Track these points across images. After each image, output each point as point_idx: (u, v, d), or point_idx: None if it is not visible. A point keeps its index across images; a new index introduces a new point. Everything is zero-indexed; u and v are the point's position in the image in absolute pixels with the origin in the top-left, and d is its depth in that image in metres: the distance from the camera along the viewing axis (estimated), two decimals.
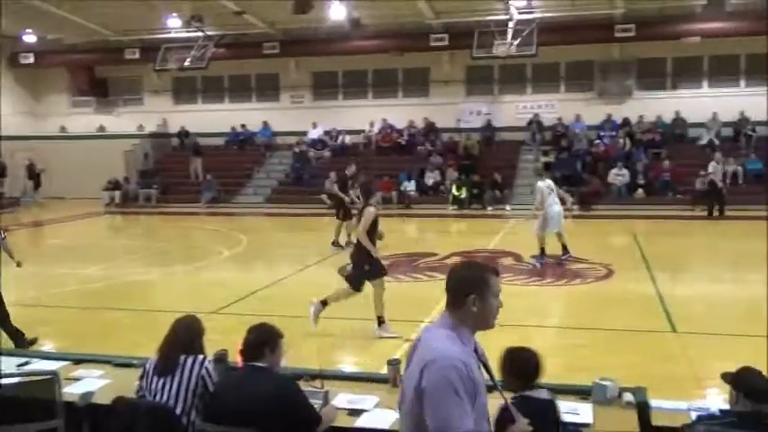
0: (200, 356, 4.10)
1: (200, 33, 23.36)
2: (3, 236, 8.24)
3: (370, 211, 8.30)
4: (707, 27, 21.93)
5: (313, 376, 4.60)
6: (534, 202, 13.19)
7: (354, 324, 8.88)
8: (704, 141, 23.13)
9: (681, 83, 24.32)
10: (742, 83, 23.73)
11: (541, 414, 3.41)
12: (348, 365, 7.37)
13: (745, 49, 23.16)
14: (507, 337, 8.42)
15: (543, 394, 3.64)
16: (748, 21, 21.56)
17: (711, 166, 20.41)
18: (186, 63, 23.86)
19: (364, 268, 8.22)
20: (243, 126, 27.60)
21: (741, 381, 3.56)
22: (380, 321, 8.21)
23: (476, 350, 3.06)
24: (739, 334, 8.07)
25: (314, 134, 26.75)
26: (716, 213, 19.17)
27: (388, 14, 22.82)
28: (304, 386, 4.20)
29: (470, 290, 2.96)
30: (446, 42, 23.57)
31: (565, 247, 12.81)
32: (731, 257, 13.73)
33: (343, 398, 4.35)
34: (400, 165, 24.38)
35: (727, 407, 3.62)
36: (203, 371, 4.02)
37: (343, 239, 14.72)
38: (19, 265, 8.27)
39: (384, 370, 4.76)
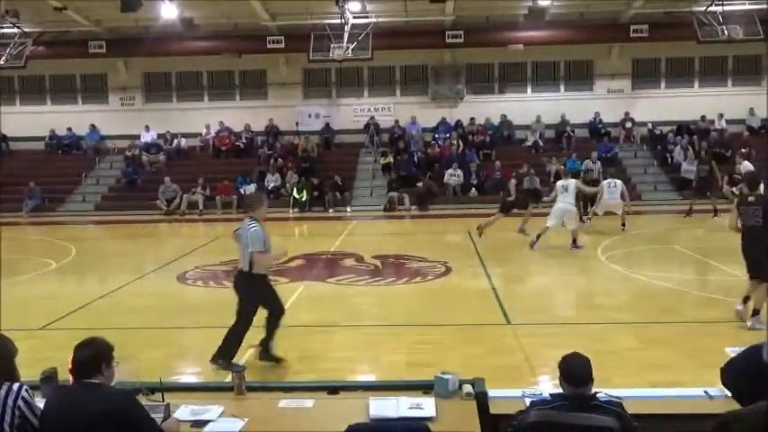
0: (15, 385, 3.64)
1: (16, 30, 21.70)
2: None
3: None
4: (529, 35, 23.31)
5: (152, 389, 4.40)
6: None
7: (197, 333, 8.63)
8: (529, 142, 24.60)
9: (507, 87, 25.69)
10: (562, 87, 25.45)
11: None
12: (191, 376, 7.13)
13: (564, 56, 24.90)
14: (352, 337, 8.55)
15: None
16: (566, 30, 23.22)
17: (586, 165, 21.70)
18: (1, 62, 22.08)
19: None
20: (69, 129, 26.00)
21: (562, 367, 3.80)
22: None
23: None
24: (567, 323, 8.64)
25: (147, 137, 25.70)
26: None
27: (222, 15, 22.36)
28: (143, 400, 4.01)
29: None
30: (283, 45, 23.44)
31: (575, 241, 13.96)
32: (559, 252, 14.62)
33: (185, 410, 4.19)
34: (239, 168, 23.97)
35: (558, 391, 3.83)
36: (20, 401, 3.56)
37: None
38: None
39: (228, 378, 4.65)
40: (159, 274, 12.67)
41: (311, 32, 21.36)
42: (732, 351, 4.67)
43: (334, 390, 4.57)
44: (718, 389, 4.55)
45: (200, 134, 25.69)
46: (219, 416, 4.13)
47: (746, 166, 15.98)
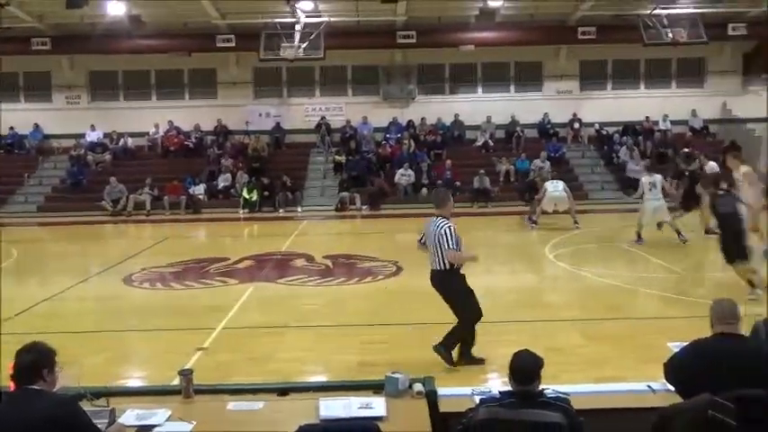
0: None
1: None
2: None
3: None
4: (480, 36, 23.51)
5: (97, 394, 4.31)
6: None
7: (143, 335, 8.49)
8: (480, 142, 24.83)
9: (458, 87, 25.88)
10: (512, 88, 25.75)
11: None
12: (137, 380, 7.01)
13: (514, 58, 25.21)
14: (302, 338, 8.50)
15: None
16: (516, 31, 23.51)
17: (535, 164, 21.92)
18: None
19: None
20: (11, 128, 25.27)
21: (511, 364, 3.85)
22: None
23: None
24: (515, 321, 8.74)
25: (93, 137, 25.14)
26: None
27: (170, 13, 22.03)
28: (87, 406, 3.92)
29: None
30: (233, 44, 23.19)
31: (679, 232, 13.68)
32: (505, 249, 14.81)
33: (131, 414, 4.12)
34: (188, 168, 23.64)
35: (507, 388, 3.88)
36: None
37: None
38: None
39: (176, 381, 4.58)
40: (104, 276, 12.41)
41: (262, 31, 21.22)
42: (674, 346, 4.80)
43: (283, 391, 4.55)
44: (661, 383, 4.66)
45: (148, 133, 25.25)
46: (166, 420, 4.08)
47: (712, 167, 16.26)
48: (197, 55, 24.25)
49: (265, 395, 4.49)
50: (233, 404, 4.33)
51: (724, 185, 9.56)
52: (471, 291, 6.96)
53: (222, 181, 23.20)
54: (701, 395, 3.82)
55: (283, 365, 7.12)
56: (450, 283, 6.87)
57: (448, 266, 6.75)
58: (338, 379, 6.10)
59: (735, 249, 8.98)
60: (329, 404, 4.20)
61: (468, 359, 6.93)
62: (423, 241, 7.07)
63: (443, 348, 6.83)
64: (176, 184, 22.39)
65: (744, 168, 9.97)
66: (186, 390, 4.41)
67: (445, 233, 6.66)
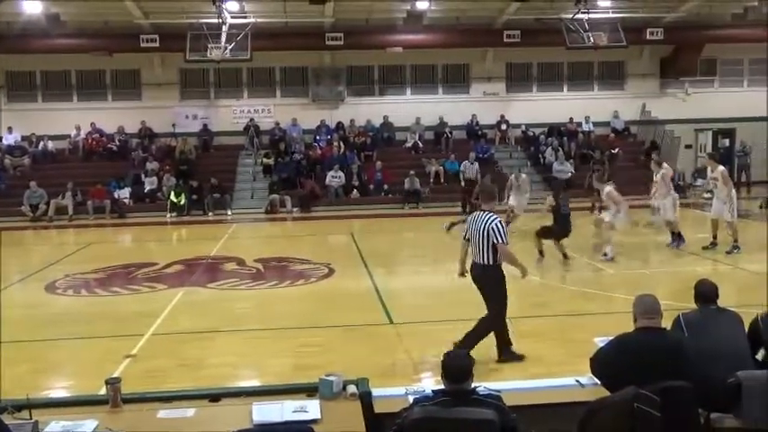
0: None
1: None
2: None
3: None
4: (408, 38, 23.68)
5: (18, 407, 4.15)
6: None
7: (68, 344, 8.23)
8: (409, 144, 25.02)
9: (387, 89, 25.99)
10: (440, 90, 26.03)
11: None
12: (62, 390, 6.78)
13: (442, 60, 25.48)
14: (234, 343, 8.40)
15: None
16: (443, 34, 23.79)
17: (464, 165, 22.07)
18: None
19: None
20: None
21: (443, 364, 3.90)
22: None
23: None
24: (446, 320, 8.83)
25: (10, 139, 24.18)
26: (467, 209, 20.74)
27: (91, 12, 21.39)
28: (9, 419, 3.78)
29: None
30: (157, 44, 22.69)
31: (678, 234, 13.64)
32: (436, 250, 14.93)
33: (56, 426, 3.99)
34: (112, 171, 23.01)
35: (440, 387, 3.92)
36: None
37: None
38: None
39: (103, 390, 4.46)
40: (26, 284, 11.99)
41: (188, 32, 20.84)
42: (600, 341, 4.94)
43: (215, 397, 4.49)
44: (589, 377, 4.80)
45: (70, 136, 24.44)
46: (94, 430, 3.97)
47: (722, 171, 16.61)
48: (120, 55, 23.63)
49: (197, 402, 4.42)
50: (163, 412, 4.25)
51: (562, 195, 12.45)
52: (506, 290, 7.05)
53: (148, 184, 22.67)
54: (627, 388, 3.95)
55: (215, 371, 7.03)
56: (494, 277, 6.88)
57: (492, 261, 6.77)
58: (271, 383, 6.06)
59: (561, 233, 12.22)
60: (263, 409, 4.17)
61: (507, 356, 6.98)
62: (466, 237, 7.06)
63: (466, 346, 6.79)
64: (100, 188, 21.77)
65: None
66: (114, 399, 4.29)
67: (497, 227, 6.68)
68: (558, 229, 12.35)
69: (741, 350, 4.71)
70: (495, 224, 6.68)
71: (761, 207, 19.56)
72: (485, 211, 6.88)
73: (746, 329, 4.86)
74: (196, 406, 4.32)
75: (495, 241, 6.65)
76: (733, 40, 24.36)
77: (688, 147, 25.87)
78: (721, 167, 13.12)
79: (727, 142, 26.43)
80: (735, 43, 24.62)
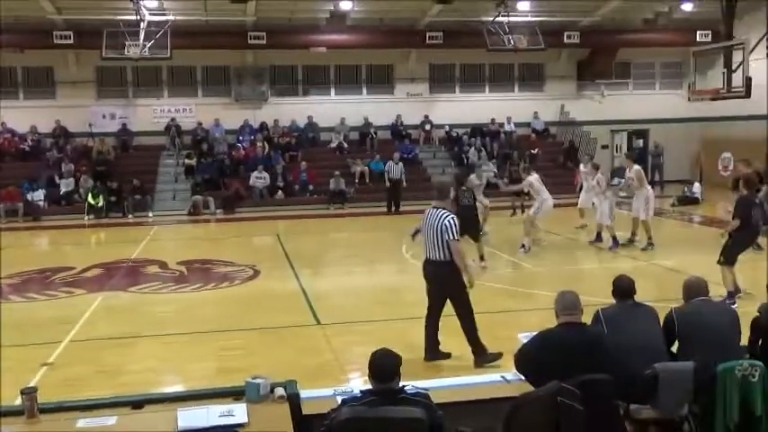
0: None
1: None
2: None
3: None
4: (331, 39, 23.64)
5: None
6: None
7: None
8: (334, 144, 24.98)
9: (311, 89, 25.87)
10: (364, 90, 26.08)
11: None
12: None
13: (366, 60, 25.54)
14: (156, 348, 8.21)
15: None
16: (367, 34, 23.85)
17: (389, 165, 22.00)
18: None
19: None
20: None
21: (370, 364, 3.90)
22: None
23: None
24: (374, 320, 8.87)
25: None
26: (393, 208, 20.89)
27: (1, 7, 20.49)
28: None
29: None
30: (71, 41, 21.95)
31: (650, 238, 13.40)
32: (363, 250, 14.98)
33: None
34: (25, 172, 22.12)
35: (368, 387, 3.92)
36: None
37: None
38: None
39: (18, 401, 4.28)
40: None
41: (104, 29, 20.23)
42: (523, 337, 5.06)
43: (138, 404, 4.37)
44: (513, 373, 4.90)
45: None
46: None
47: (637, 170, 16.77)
48: (31, 52, 22.72)
49: (119, 409, 4.29)
50: (83, 421, 4.11)
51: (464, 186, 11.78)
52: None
53: (64, 186, 21.90)
54: (550, 383, 4.05)
55: (136, 377, 6.86)
56: (448, 273, 6.78)
57: (446, 257, 6.71)
58: (196, 387, 5.94)
59: (474, 230, 11.65)
60: (188, 414, 4.09)
61: (433, 355, 7.10)
62: (415, 232, 7.13)
63: (481, 357, 6.88)
64: (12, 190, 20.91)
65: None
66: (30, 409, 4.12)
67: (449, 223, 6.62)
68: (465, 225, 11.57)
69: (657, 343, 4.90)
70: (449, 220, 6.66)
71: (673, 205, 20.41)
72: (438, 207, 6.86)
73: (661, 323, 5.06)
74: (118, 414, 4.20)
75: (448, 237, 6.65)
76: (645, 44, 25.35)
77: (604, 147, 26.71)
78: (636, 167, 13.58)
79: (641, 143, 27.46)
80: (647, 47, 25.62)
